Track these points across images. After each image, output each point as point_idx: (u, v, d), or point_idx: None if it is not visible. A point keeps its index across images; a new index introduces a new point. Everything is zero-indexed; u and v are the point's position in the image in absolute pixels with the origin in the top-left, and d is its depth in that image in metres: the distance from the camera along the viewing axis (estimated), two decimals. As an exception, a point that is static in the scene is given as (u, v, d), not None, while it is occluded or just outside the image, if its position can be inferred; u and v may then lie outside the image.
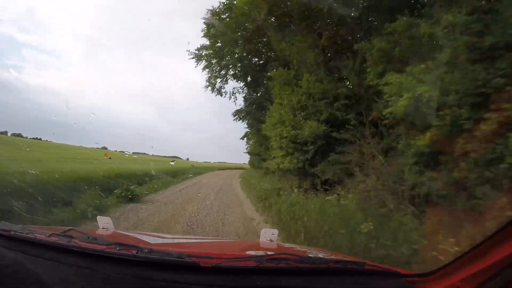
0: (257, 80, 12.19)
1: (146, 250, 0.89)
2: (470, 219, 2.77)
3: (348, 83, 7.23)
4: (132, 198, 7.02)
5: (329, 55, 7.83)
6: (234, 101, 13.98)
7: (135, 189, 7.45)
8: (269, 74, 9.53)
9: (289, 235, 4.35)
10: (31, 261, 0.85)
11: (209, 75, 12.65)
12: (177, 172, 15.31)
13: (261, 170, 13.72)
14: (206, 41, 11.42)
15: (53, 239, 0.96)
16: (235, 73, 12.46)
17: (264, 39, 10.05)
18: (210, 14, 10.31)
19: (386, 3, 5.76)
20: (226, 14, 10.20)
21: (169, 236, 1.90)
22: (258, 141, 13.28)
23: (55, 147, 19.06)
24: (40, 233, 0.99)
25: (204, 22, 10.67)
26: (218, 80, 12.96)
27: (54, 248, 0.93)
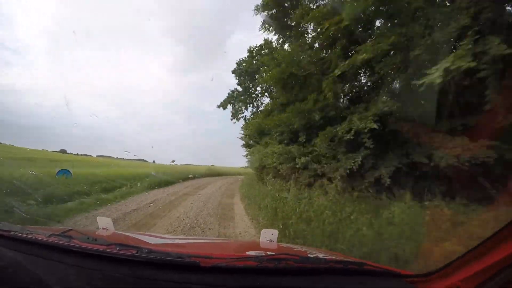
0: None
1: (146, 251, 0.88)
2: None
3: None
4: None
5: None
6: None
7: None
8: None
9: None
10: (31, 262, 0.85)
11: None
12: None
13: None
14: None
15: (53, 239, 0.96)
16: None
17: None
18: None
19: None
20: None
21: (169, 236, 1.90)
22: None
23: None
24: (40, 234, 0.99)
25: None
26: None
27: (54, 248, 0.93)
